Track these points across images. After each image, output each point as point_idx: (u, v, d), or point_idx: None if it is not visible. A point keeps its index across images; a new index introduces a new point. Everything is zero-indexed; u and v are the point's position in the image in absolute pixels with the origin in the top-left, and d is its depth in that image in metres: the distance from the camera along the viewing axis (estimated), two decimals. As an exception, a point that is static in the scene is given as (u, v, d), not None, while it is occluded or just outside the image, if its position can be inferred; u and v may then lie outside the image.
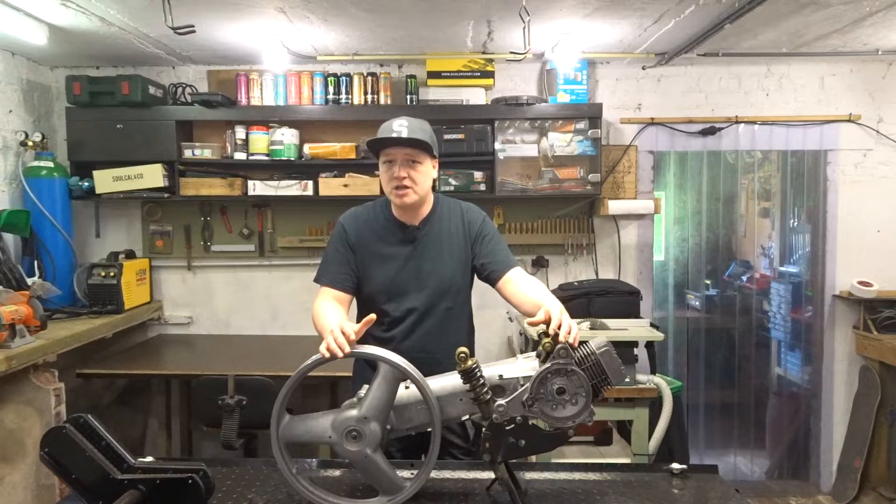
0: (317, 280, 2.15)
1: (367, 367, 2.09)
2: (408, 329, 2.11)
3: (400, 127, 2.03)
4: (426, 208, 2.17)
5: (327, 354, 1.59)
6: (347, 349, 1.59)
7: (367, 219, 2.16)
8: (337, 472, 1.75)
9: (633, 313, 3.52)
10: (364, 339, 2.01)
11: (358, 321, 2.13)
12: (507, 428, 1.50)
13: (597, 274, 4.05)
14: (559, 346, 1.51)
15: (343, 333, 1.61)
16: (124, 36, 3.31)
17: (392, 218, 2.15)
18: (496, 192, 3.71)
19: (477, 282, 2.24)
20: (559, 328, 1.60)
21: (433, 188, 2.19)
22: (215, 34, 3.34)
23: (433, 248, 2.13)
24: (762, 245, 4.70)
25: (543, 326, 1.65)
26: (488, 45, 3.64)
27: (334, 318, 1.84)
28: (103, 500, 1.39)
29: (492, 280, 2.14)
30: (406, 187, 2.04)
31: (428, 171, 2.11)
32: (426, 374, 1.58)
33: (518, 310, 2.08)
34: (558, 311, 1.67)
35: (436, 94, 3.81)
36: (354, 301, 2.18)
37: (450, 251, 2.14)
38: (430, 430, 1.52)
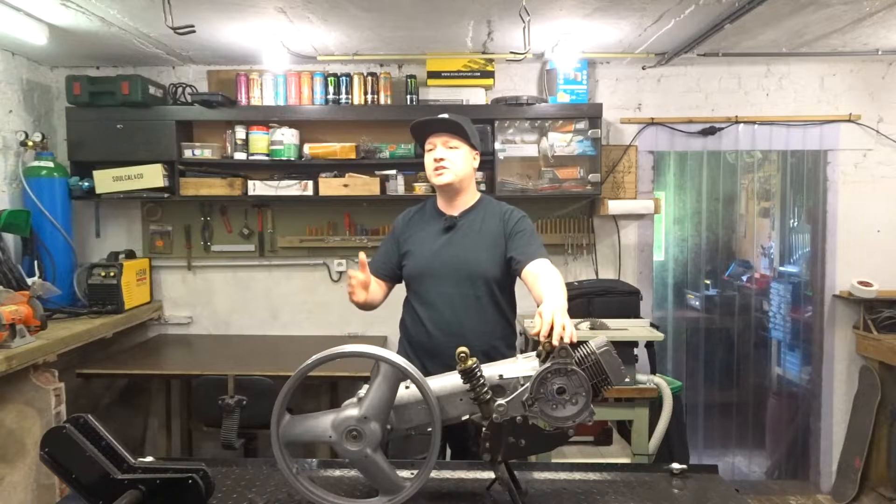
0: None
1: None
2: (439, 311, 2.25)
3: (439, 118, 2.31)
4: (468, 199, 2.36)
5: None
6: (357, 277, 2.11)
7: (416, 213, 2.44)
8: (337, 472, 1.75)
9: (633, 313, 3.53)
10: (403, 318, 2.40)
11: (406, 299, 2.44)
12: (508, 428, 1.50)
13: (597, 274, 4.05)
14: (559, 345, 1.51)
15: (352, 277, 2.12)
16: (124, 36, 3.31)
17: (436, 209, 2.39)
18: (496, 192, 3.70)
19: None
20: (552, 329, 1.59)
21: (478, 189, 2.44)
22: (215, 34, 3.35)
23: (469, 238, 2.29)
24: (762, 245, 4.70)
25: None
26: (488, 45, 3.64)
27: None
28: (103, 500, 1.39)
29: (517, 272, 2.22)
30: (444, 167, 2.26)
31: (466, 156, 2.31)
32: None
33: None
34: (549, 312, 1.63)
35: (436, 94, 3.81)
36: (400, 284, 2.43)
37: (485, 243, 2.28)
38: (430, 430, 1.52)
